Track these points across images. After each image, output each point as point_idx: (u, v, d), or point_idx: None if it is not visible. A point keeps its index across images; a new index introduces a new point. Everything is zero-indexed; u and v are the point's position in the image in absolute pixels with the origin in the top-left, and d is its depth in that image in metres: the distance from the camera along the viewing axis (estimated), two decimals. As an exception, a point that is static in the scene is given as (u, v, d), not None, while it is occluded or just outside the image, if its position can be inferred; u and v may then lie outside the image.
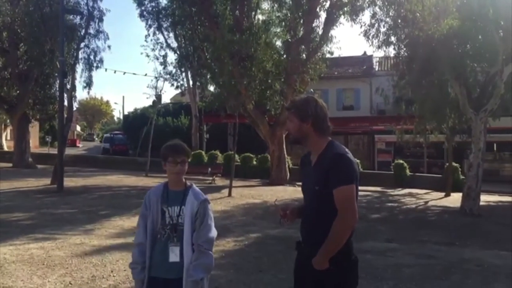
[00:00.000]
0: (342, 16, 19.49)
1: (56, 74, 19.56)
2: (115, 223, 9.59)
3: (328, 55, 21.13)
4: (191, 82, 29.28)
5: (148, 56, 28.39)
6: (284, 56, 20.33)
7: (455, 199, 15.56)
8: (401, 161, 23.10)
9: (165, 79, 27.92)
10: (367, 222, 10.74)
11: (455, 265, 6.85)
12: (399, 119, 20.17)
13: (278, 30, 20.76)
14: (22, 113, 25.41)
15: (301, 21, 19.69)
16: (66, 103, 17.71)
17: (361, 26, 17.29)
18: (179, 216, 2.75)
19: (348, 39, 54.34)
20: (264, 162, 23.93)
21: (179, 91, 32.30)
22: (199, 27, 21.91)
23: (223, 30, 17.53)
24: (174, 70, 27.21)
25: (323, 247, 2.44)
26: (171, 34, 27.23)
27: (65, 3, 17.45)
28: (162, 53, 27.34)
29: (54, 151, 26.39)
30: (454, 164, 19.98)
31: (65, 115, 17.14)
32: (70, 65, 19.19)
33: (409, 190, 20.02)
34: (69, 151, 28.11)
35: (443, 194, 18.26)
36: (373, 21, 16.26)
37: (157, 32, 26.93)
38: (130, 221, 9.72)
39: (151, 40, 27.31)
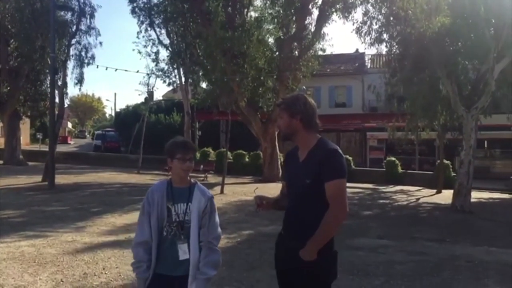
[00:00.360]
0: (335, 13, 19.49)
1: (47, 71, 19.44)
2: (107, 220, 9.55)
3: (320, 52, 21.16)
4: (183, 79, 29.15)
5: (140, 52, 28.31)
6: (277, 53, 20.32)
7: (446, 196, 15.66)
8: (393, 158, 23.21)
9: (157, 76, 27.89)
10: (359, 219, 10.78)
11: (446, 261, 6.90)
12: (391, 116, 20.26)
13: (271, 27, 20.76)
14: (12, 109, 25.23)
15: (294, 18, 19.67)
16: (57, 99, 17.61)
17: (353, 24, 17.33)
18: (185, 214, 2.74)
19: (341, 37, 54.62)
20: (256, 159, 23.95)
21: (171, 88, 32.24)
22: (191, 24, 21.86)
23: (216, 27, 17.50)
24: (166, 67, 27.21)
25: (313, 239, 2.50)
26: (163, 31, 27.13)
27: (56, -1, 17.32)
28: (154, 49, 27.32)
29: (45, 148, 26.21)
30: (445, 161, 20.11)
31: (56, 112, 17.05)
32: (61, 62, 19.07)
33: (400, 187, 20.13)
34: (60, 148, 27.99)
35: (434, 191, 18.37)
36: (365, 18, 16.28)
37: (149, 29, 26.86)
38: (122, 219, 9.69)
39: (143, 36, 27.23)
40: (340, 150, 2.63)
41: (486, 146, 27.56)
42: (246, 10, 20.67)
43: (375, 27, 16.06)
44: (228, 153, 19.49)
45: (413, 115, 17.98)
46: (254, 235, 8.66)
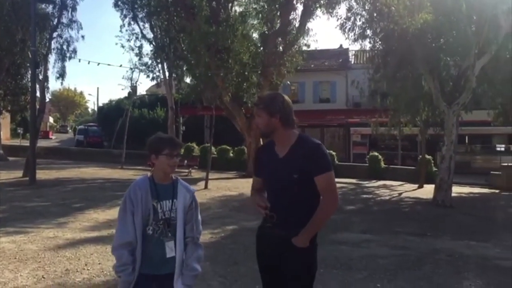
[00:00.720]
0: (319, 9, 19.52)
1: (28, 64, 19.10)
2: (89, 216, 9.47)
3: (304, 48, 21.19)
4: (167, 74, 28.92)
5: (123, 46, 28.06)
6: (261, 48, 20.28)
7: (427, 191, 15.87)
8: (376, 154, 23.42)
9: (141, 71, 27.59)
10: (343, 213, 10.86)
11: (427, 255, 7.00)
12: (374, 112, 20.43)
13: (255, 22, 20.70)
14: (-8, 104, 24.80)
15: (278, 14, 19.65)
16: (38, 94, 17.34)
17: (337, 19, 17.40)
18: (171, 210, 2.70)
19: (325, 32, 54.59)
20: (240, 154, 23.94)
21: (155, 82, 31.98)
22: (175, 18, 21.68)
23: (200, 22, 17.37)
24: (149, 61, 26.91)
25: (307, 227, 2.65)
26: (147, 25, 26.81)
27: (37, -9, 17.01)
28: (138, 44, 26.94)
29: (26, 143, 25.79)
30: (427, 156, 20.37)
31: (37, 107, 16.80)
32: (42, 55, 18.75)
33: (383, 182, 20.33)
34: (41, 143, 27.61)
35: (416, 185, 18.61)
36: (349, 14, 16.33)
37: (132, 23, 26.50)
38: (105, 214, 9.62)
39: (126, 30, 26.87)
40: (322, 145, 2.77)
41: (467, 141, 28.02)
42: (230, 4, 20.58)
43: (358, 23, 16.15)
44: (212, 148, 19.45)
45: (396, 110, 18.18)
46: (238, 230, 8.67)
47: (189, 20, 18.69)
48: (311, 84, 32.99)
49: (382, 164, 22.96)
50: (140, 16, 26.20)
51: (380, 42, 16.48)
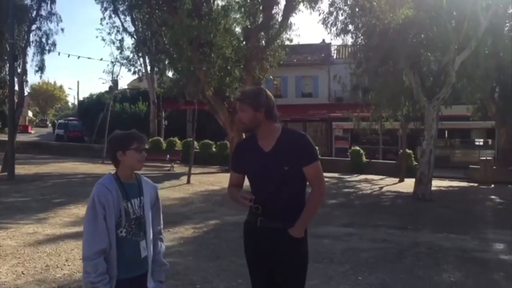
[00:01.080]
0: (302, 4, 19.49)
1: (6, 57, 18.70)
2: (70, 211, 9.36)
3: (287, 42, 21.15)
4: (149, 68, 28.69)
5: (104, 40, 27.67)
6: (244, 42, 20.20)
7: (408, 185, 16.07)
8: (357, 148, 23.61)
9: (122, 64, 27.25)
10: (325, 207, 10.92)
11: (408, 248, 7.10)
12: (356, 106, 20.59)
13: (238, 16, 20.57)
14: (-31, 98, 24.22)
15: (261, 8, 19.57)
16: (16, 87, 17.03)
17: (319, 14, 17.42)
18: (140, 208, 2.61)
19: (307, 27, 54.73)
20: (223, 149, 23.89)
21: (136, 76, 31.67)
22: (157, 11, 21.41)
23: (182, 15, 17.20)
24: (131, 55, 26.55)
25: (302, 218, 2.73)
26: (128, 18, 26.48)
27: (14, -18, 16.65)
28: (119, 37, 26.56)
29: (4, 137, 25.31)
30: (407, 150, 20.62)
31: (16, 100, 16.49)
32: (20, 48, 18.37)
33: (365, 176, 20.52)
34: (20, 137, 27.09)
35: (397, 179, 18.83)
36: (331, 9, 16.39)
37: (113, 16, 26.16)
38: (86, 209, 9.50)
39: (107, 23, 26.49)
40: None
41: (446, 136, 28.44)
42: (212, -2, 20.44)
43: (341, 18, 16.23)
44: (195, 142, 19.37)
45: (378, 105, 18.35)
46: (220, 224, 8.67)
47: (171, 14, 18.50)
48: (293, 78, 33.06)
49: (364, 159, 23.16)
50: (121, 9, 25.85)
51: (362, 37, 16.58)
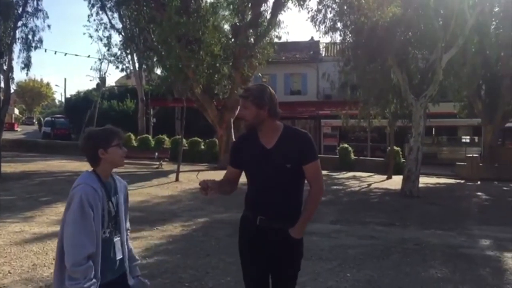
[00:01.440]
0: (290, 1, 19.51)
1: (-9, 54, 18.47)
2: (57, 209, 9.25)
3: (276, 40, 21.15)
4: (137, 65, 28.50)
5: (91, 37, 27.59)
6: (232, 40, 20.18)
7: (396, 182, 16.18)
8: (346, 145, 23.68)
9: (110, 61, 27.16)
10: (313, 205, 10.96)
11: (395, 245, 7.16)
12: (344, 104, 20.66)
13: (226, 13, 20.54)
14: (-46, 95, 23.87)
15: (249, 5, 19.56)
16: (2, 84, 16.82)
17: (308, 12, 17.37)
18: (116, 207, 2.56)
19: (296, 24, 54.80)
20: (212, 146, 23.84)
21: (124, 74, 31.45)
22: (144, 8, 21.29)
23: (170, 12, 17.11)
24: (119, 52, 26.47)
25: (304, 218, 2.78)
26: (116, 15, 26.33)
27: (-1, -22, 16.45)
28: (106, 34, 26.46)
29: (-10, 135, 25.07)
30: (395, 148, 20.74)
31: (2, 98, 16.28)
32: (6, 45, 18.12)
33: (353, 173, 20.61)
34: (6, 135, 26.76)
35: (385, 176, 18.93)
36: (320, 7, 16.39)
37: (100, 12, 25.96)
38: (73, 208, 9.42)
39: (94, 20, 26.45)
40: None
41: (433, 133, 28.67)
42: (201, -5, 20.36)
43: (329, 15, 16.23)
44: (184, 140, 19.30)
45: (366, 103, 18.44)
46: (209, 222, 8.66)
47: (159, 11, 18.42)
48: (282, 76, 33.08)
49: (352, 156, 23.23)
50: (108, 5, 25.70)
51: (350, 35, 16.60)
